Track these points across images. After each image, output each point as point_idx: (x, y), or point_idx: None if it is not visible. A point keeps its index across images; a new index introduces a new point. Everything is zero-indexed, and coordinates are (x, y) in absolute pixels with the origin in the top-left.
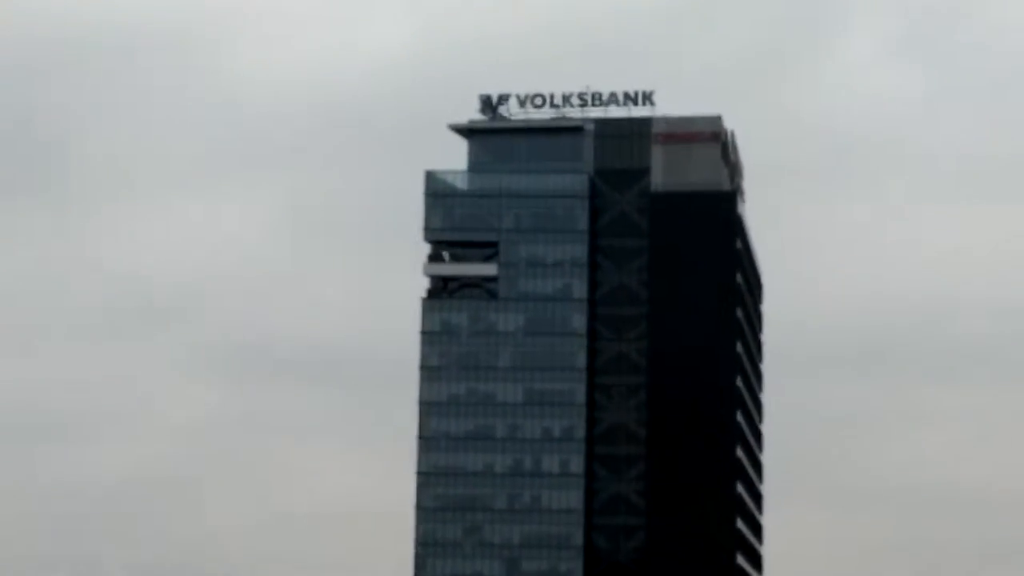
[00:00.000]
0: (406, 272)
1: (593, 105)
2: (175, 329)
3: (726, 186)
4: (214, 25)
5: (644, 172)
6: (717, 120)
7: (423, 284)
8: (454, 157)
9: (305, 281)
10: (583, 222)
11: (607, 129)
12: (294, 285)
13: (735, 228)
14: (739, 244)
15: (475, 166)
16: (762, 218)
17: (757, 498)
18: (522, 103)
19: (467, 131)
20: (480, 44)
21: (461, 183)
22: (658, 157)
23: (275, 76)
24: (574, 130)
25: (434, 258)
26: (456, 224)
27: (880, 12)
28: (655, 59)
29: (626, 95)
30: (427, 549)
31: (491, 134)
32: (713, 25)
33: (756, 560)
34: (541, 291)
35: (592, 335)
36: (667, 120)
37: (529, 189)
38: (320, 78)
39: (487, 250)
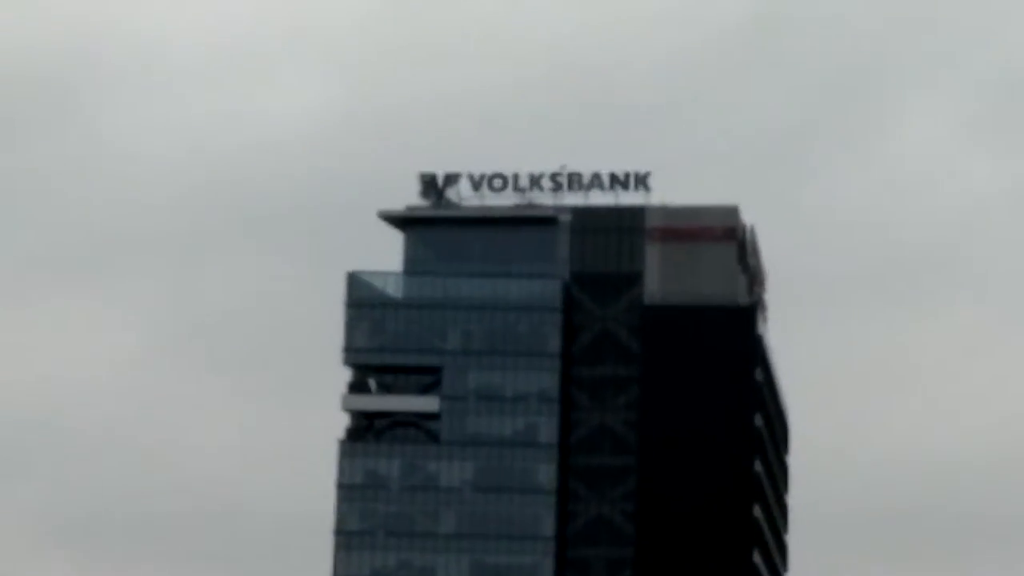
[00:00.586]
0: (319, 405)
1: (570, 190)
2: (15, 483)
3: (743, 299)
4: (92, 83)
5: (635, 278)
6: (732, 212)
7: (341, 421)
8: (386, 255)
9: (185, 415)
10: (554, 343)
11: (588, 221)
12: (170, 420)
13: (754, 355)
14: (759, 375)
15: (413, 267)
16: (790, 342)
17: None
18: (476, 185)
19: (403, 221)
20: (422, 109)
21: (394, 289)
22: (654, 259)
23: (159, 142)
24: (545, 222)
25: (356, 387)
26: (387, 343)
27: (944, 86)
28: (651, 132)
29: (613, 178)
30: None
31: (435, 225)
32: (727, 93)
33: None
34: (497, 433)
35: (563, 494)
36: (666, 211)
37: (484, 299)
38: (217, 149)
39: (427, 378)
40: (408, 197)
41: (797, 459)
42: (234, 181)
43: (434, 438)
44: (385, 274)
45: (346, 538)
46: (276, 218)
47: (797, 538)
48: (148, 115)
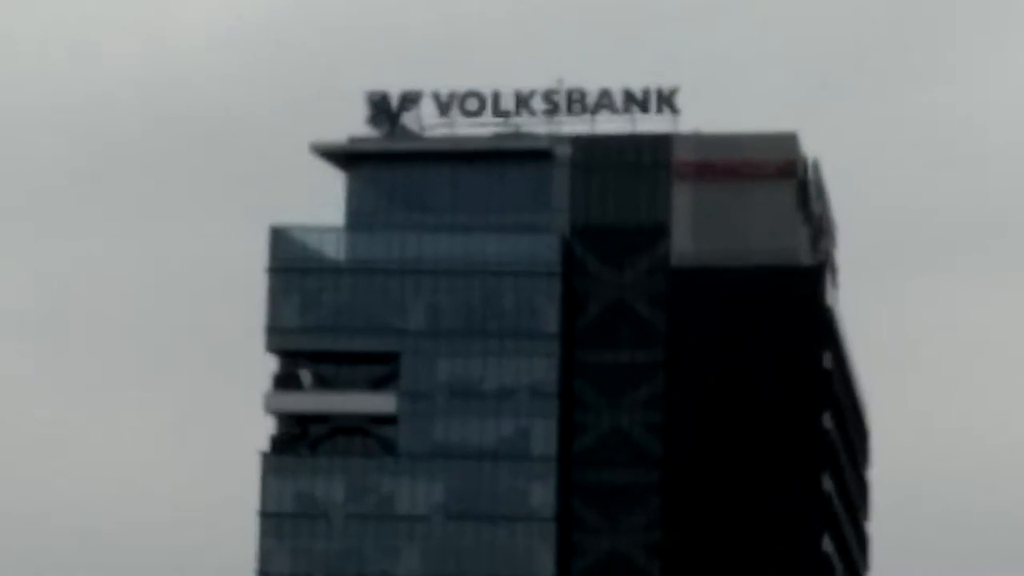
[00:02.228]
0: (232, 406)
1: (571, 113)
2: None
3: (805, 258)
4: None
5: (659, 231)
6: (790, 141)
7: (264, 428)
8: (322, 203)
9: (66, 418)
10: (551, 320)
11: (595, 155)
12: (48, 424)
13: (822, 333)
14: (828, 361)
15: (359, 219)
16: (869, 316)
17: None
18: (444, 108)
19: (344, 157)
20: (370, 5)
21: (334, 249)
22: (684, 205)
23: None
24: (537, 157)
25: (284, 381)
26: (324, 321)
27: None
28: (679, 35)
29: (629, 96)
30: None
31: (388, 162)
32: None
33: None
34: (475, 442)
35: (566, 522)
36: (700, 140)
37: (455, 261)
38: (103, 70)
39: (379, 368)
40: (351, 125)
41: (880, 473)
42: (127, 112)
43: (390, 449)
44: (321, 229)
45: None
46: (172, 154)
47: (881, 570)
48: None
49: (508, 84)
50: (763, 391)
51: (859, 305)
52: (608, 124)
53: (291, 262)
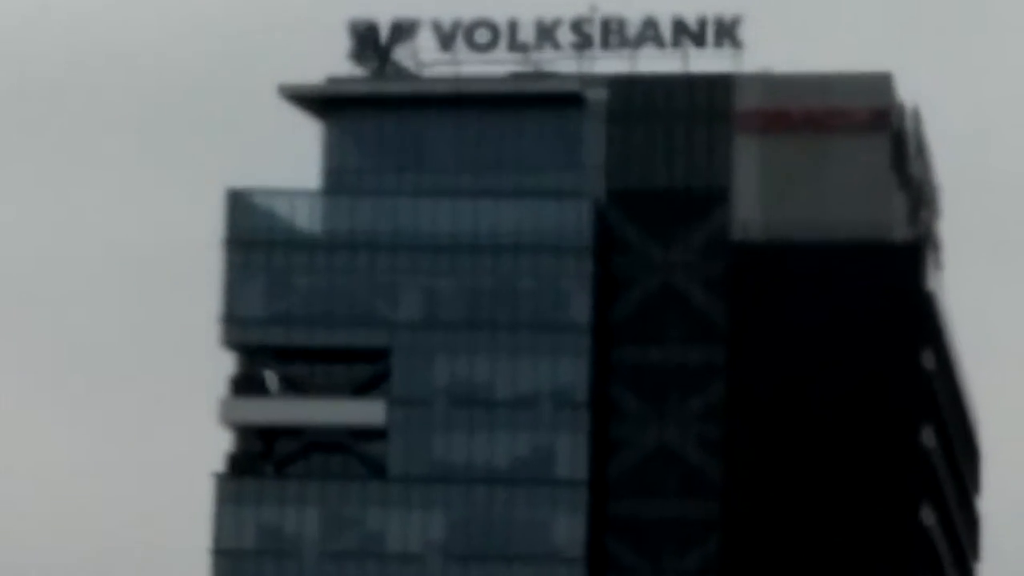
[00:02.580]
0: (181, 416)
1: (606, 48)
2: None
3: (902, 232)
4: None
5: (718, 197)
6: (883, 84)
7: (220, 443)
8: (293, 160)
9: None
10: (582, 308)
11: (636, 101)
12: None
13: (922, 325)
14: (929, 361)
15: (339, 181)
16: (981, 304)
17: None
18: (446, 41)
19: (321, 102)
20: None
21: (307, 218)
22: (750, 164)
23: None
24: (564, 102)
25: (245, 385)
26: (295, 310)
27: None
28: None
29: (679, 26)
30: None
31: (376, 109)
32: None
33: None
34: (484, 462)
35: (599, 562)
36: (770, 82)
37: (461, 234)
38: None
39: (363, 369)
40: (330, 63)
41: (994, 504)
42: (26, 37)
43: (377, 471)
44: (292, 193)
45: None
46: (103, 98)
47: None
48: None
49: (527, 11)
50: (848, 400)
51: (968, 291)
52: (653, 62)
53: (253, 234)
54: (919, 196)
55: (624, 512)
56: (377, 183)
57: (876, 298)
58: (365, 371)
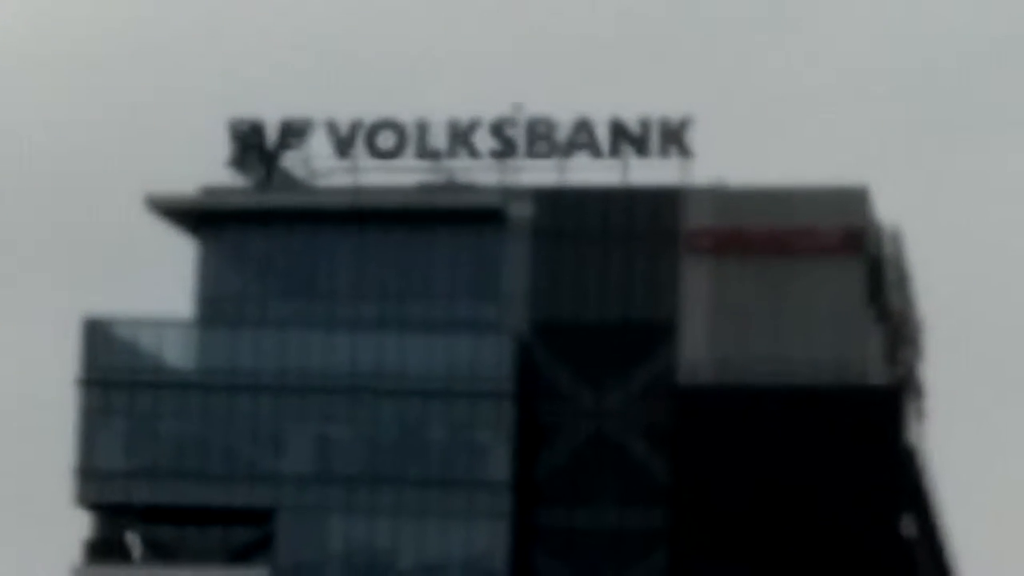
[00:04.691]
0: None
1: (533, 154)
2: None
3: (878, 375)
4: None
5: (663, 332)
6: (857, 200)
7: None
8: (161, 284)
9: None
10: (500, 462)
11: (567, 217)
12: None
13: (901, 484)
14: (908, 527)
15: (214, 310)
16: (969, 460)
17: None
18: (343, 144)
19: (196, 216)
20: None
21: (178, 354)
22: (698, 291)
23: None
24: (482, 218)
25: (103, 550)
26: (162, 461)
27: None
28: (693, 47)
29: (618, 129)
30: None
31: (261, 225)
32: None
33: None
34: None
35: None
36: (722, 197)
37: (359, 372)
38: None
39: (244, 531)
40: (207, 170)
41: None
42: None
43: None
44: (160, 323)
45: None
46: None
47: None
48: None
49: (439, 110)
50: (817, 572)
51: (956, 446)
52: (587, 172)
53: (114, 371)
54: (898, 333)
55: None
56: (261, 312)
57: (847, 453)
58: (245, 534)
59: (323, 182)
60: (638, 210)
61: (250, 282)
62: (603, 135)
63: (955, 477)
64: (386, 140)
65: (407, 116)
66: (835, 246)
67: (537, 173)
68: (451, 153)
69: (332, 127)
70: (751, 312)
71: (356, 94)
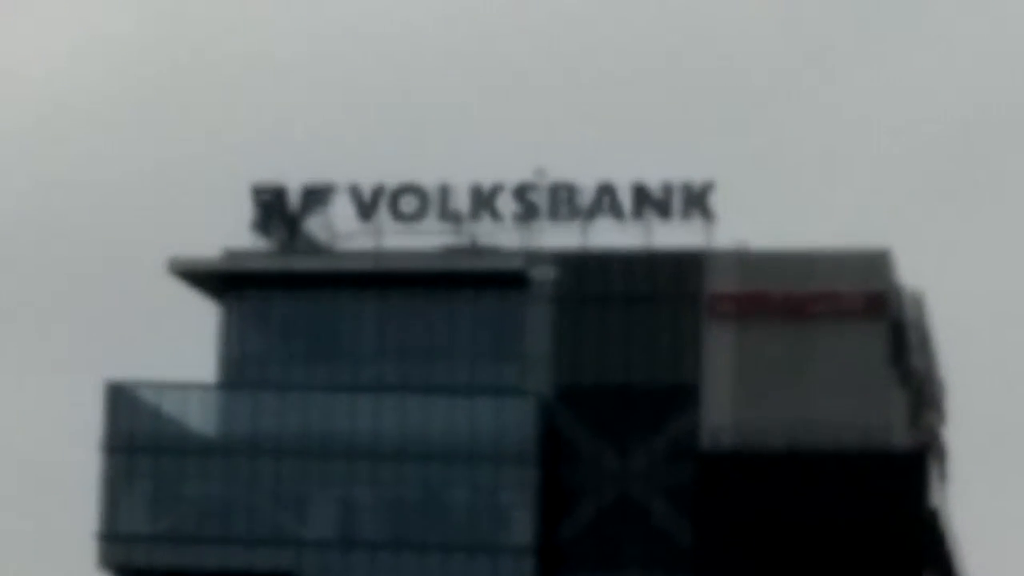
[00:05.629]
0: None
1: (554, 218)
2: None
3: (901, 439)
4: None
5: (685, 397)
6: (881, 261)
7: None
8: (184, 349)
9: None
10: (524, 526)
11: (590, 281)
12: None
13: (924, 547)
14: None
15: (237, 374)
16: (996, 524)
17: None
18: (366, 209)
19: (219, 280)
20: (261, 71)
21: (201, 419)
22: (721, 356)
23: None
24: (505, 283)
25: None
26: (185, 526)
27: None
28: (716, 112)
29: (640, 194)
30: None
31: (284, 289)
32: (849, 55)
33: None
34: None
35: None
36: (746, 261)
37: (382, 437)
38: None
39: None
40: (230, 234)
41: None
42: None
43: None
44: (183, 388)
45: None
46: None
47: None
48: None
49: (462, 175)
50: None
51: (979, 509)
52: (610, 235)
53: (137, 436)
54: (922, 396)
55: None
56: (283, 376)
57: (870, 517)
58: None
59: (346, 246)
60: (660, 274)
61: (273, 346)
62: (626, 199)
63: (978, 540)
64: (408, 204)
65: (429, 180)
66: (857, 310)
67: (560, 237)
68: (474, 217)
69: (355, 191)
70: (774, 375)
71: (378, 159)
